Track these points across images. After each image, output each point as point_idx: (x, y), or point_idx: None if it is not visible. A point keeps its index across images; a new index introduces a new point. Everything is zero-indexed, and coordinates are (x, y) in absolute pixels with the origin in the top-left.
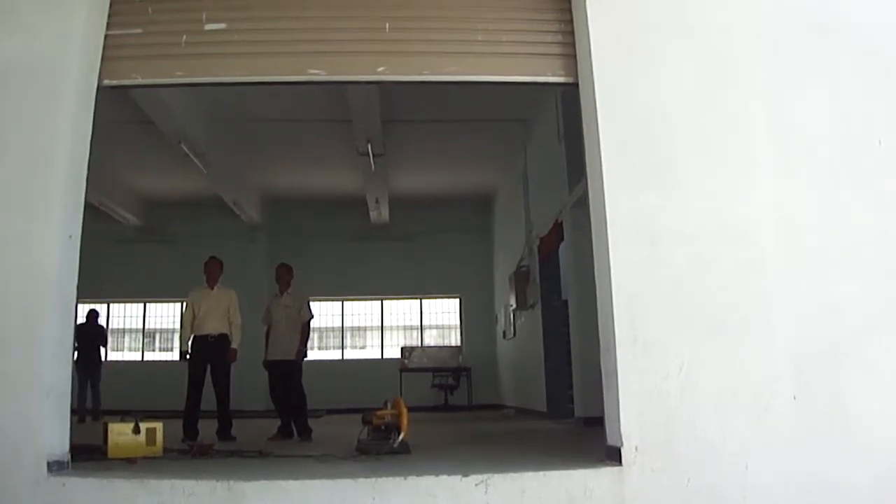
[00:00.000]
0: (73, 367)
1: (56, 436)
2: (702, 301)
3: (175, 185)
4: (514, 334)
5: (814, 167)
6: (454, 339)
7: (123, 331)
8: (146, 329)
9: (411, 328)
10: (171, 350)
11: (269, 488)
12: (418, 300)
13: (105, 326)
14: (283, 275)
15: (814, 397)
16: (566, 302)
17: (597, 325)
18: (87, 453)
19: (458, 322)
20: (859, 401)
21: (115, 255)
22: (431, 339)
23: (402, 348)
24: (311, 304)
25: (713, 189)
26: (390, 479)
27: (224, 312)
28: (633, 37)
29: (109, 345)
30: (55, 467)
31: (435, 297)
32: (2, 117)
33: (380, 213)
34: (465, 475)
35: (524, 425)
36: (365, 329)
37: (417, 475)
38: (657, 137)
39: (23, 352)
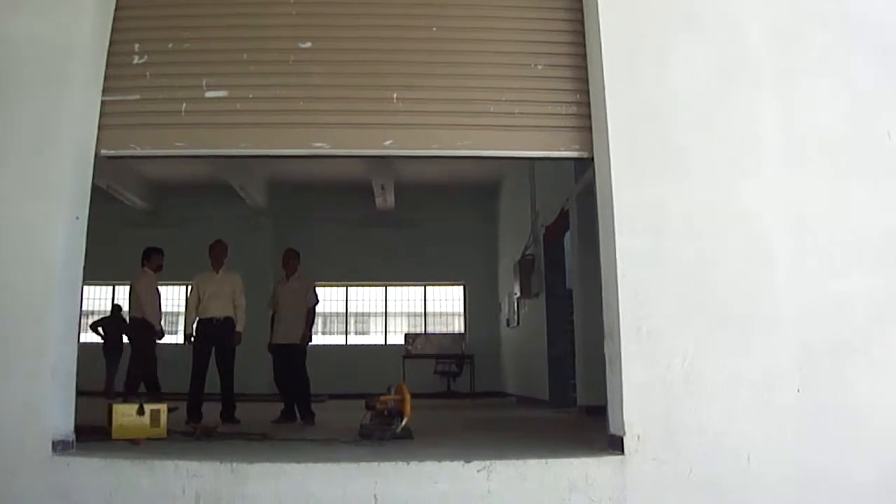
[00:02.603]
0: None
1: (61, 416)
2: (707, 292)
3: (182, 170)
4: (518, 322)
5: (823, 160)
6: (458, 326)
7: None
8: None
9: (415, 315)
10: (176, 333)
11: (271, 471)
12: (422, 287)
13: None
14: (290, 260)
15: (818, 391)
16: (571, 291)
17: (601, 315)
18: (92, 434)
19: (461, 309)
20: (864, 395)
21: (123, 238)
22: (435, 326)
23: (405, 335)
24: (317, 289)
25: (721, 181)
26: (393, 463)
27: (229, 296)
28: (643, 28)
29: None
30: (60, 447)
31: (439, 285)
32: (10, 98)
33: (385, 199)
34: (468, 461)
35: (526, 413)
36: (369, 315)
37: (420, 460)
38: (666, 128)
39: (29, 332)
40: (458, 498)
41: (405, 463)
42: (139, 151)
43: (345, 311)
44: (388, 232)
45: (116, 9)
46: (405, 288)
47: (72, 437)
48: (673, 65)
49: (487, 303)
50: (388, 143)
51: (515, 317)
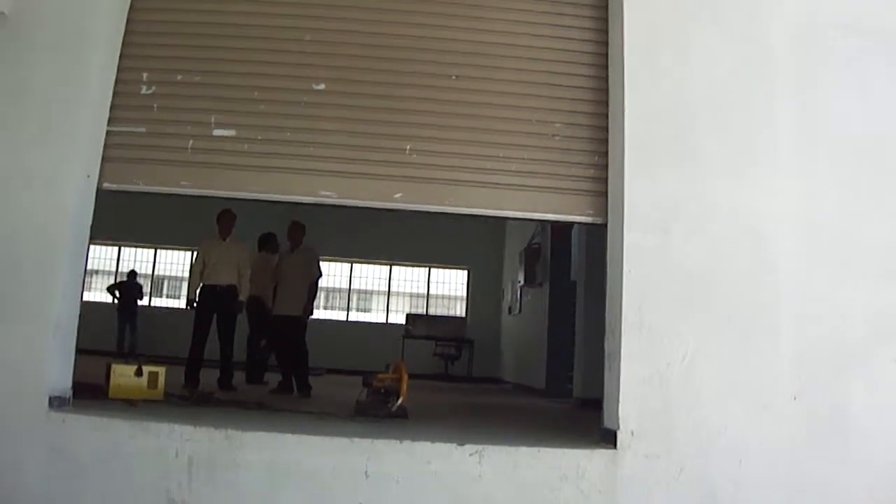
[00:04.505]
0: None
1: (60, 372)
2: (711, 292)
3: None
4: (520, 310)
5: (837, 169)
6: (459, 310)
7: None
8: (155, 275)
9: (418, 296)
10: (179, 297)
11: (265, 439)
12: (426, 268)
13: (142, 284)
14: (295, 232)
15: (815, 399)
16: (574, 283)
17: (603, 308)
18: (89, 392)
19: (464, 293)
20: (860, 407)
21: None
22: (437, 308)
23: (406, 315)
24: (321, 263)
25: (733, 182)
26: (386, 441)
27: (234, 264)
28: (663, 25)
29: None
30: (56, 403)
31: (443, 267)
32: (29, 57)
33: None
34: (461, 444)
35: (521, 401)
36: (371, 293)
37: (413, 440)
38: (681, 126)
39: (35, 286)
40: (450, 479)
41: (398, 441)
42: (142, 188)
43: (348, 287)
44: (396, 212)
45: (126, 34)
46: (409, 268)
47: (69, 393)
48: (691, 64)
49: (490, 289)
50: (398, 196)
51: (517, 305)
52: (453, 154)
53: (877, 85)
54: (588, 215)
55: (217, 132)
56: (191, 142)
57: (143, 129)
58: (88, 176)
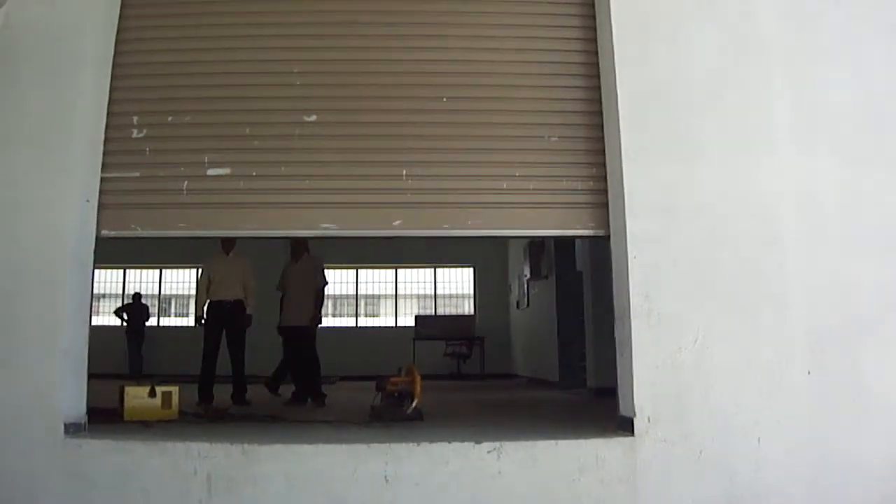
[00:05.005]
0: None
1: (73, 398)
2: (718, 274)
3: None
4: (528, 304)
5: (836, 144)
6: (468, 308)
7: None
8: (162, 295)
9: (425, 297)
10: (187, 315)
11: (282, 452)
12: (432, 269)
13: (148, 306)
14: (299, 241)
15: (828, 373)
16: (581, 273)
17: (611, 297)
18: (103, 416)
19: (471, 291)
20: (875, 377)
21: None
22: (445, 308)
23: (415, 317)
24: (326, 271)
25: (733, 163)
26: (403, 444)
27: (240, 278)
28: (655, 10)
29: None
30: (72, 429)
31: (449, 267)
32: (24, 81)
33: None
34: (478, 442)
35: (536, 395)
36: (379, 297)
37: (430, 441)
38: (678, 110)
39: (42, 313)
40: (469, 478)
41: (416, 444)
42: (141, 233)
43: (355, 293)
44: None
45: (114, 78)
46: (415, 270)
47: (84, 419)
48: (682, 51)
49: (497, 285)
50: (397, 223)
51: (525, 299)
52: (449, 177)
53: (871, 59)
54: (590, 228)
55: (211, 172)
56: (186, 183)
57: (136, 174)
58: (87, 200)
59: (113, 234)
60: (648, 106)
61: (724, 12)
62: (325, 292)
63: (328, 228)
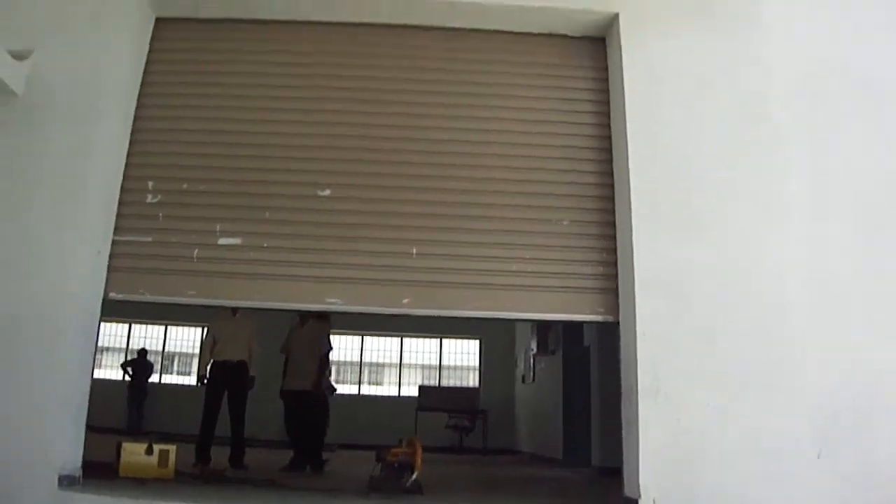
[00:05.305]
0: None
1: (70, 450)
2: (727, 354)
3: None
4: (534, 379)
5: (846, 216)
6: (472, 380)
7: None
8: (166, 351)
9: (429, 367)
10: (190, 374)
11: None
12: (438, 339)
13: (152, 363)
14: None
15: (839, 456)
16: (588, 349)
17: (618, 374)
18: (98, 470)
19: (476, 364)
20: (888, 461)
21: None
22: (449, 379)
23: (419, 387)
24: (331, 336)
25: (742, 242)
26: None
27: (246, 340)
28: (667, 88)
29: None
30: (66, 482)
31: (455, 338)
32: (40, 136)
33: None
34: None
35: (539, 471)
36: (383, 365)
37: None
38: (687, 189)
39: (44, 364)
40: None
41: None
42: (149, 298)
43: (359, 360)
44: None
45: (131, 143)
46: (420, 340)
47: (79, 472)
48: (693, 127)
49: (503, 358)
50: (405, 301)
51: (531, 373)
52: (460, 256)
53: (882, 134)
54: (599, 314)
55: (222, 241)
56: (196, 251)
57: (148, 239)
58: (99, 252)
59: (121, 297)
60: (660, 188)
61: (733, 89)
62: (330, 358)
63: (334, 303)
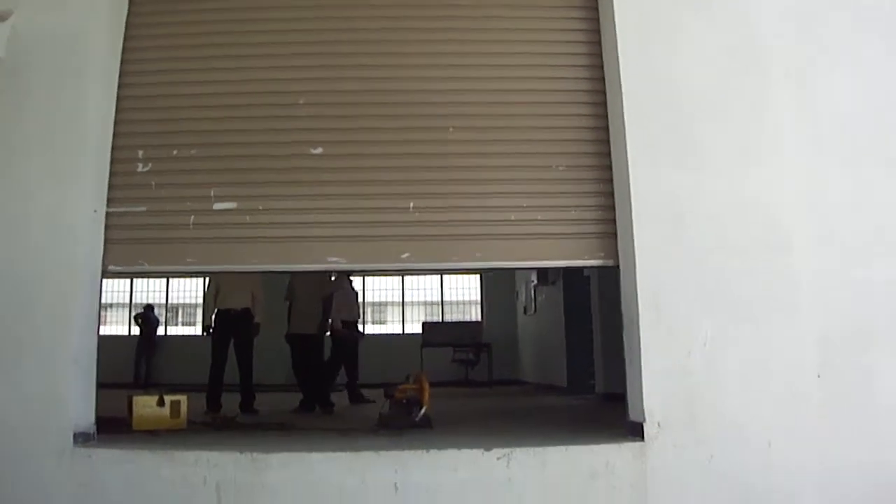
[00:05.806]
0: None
1: (82, 408)
2: (726, 279)
3: None
4: (535, 310)
5: (842, 146)
6: (475, 314)
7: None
8: (169, 304)
9: (432, 304)
10: (194, 325)
11: (291, 460)
12: (439, 276)
13: (158, 318)
14: None
15: (840, 376)
16: (588, 278)
17: (619, 302)
18: (112, 425)
19: (478, 297)
20: (887, 381)
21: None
22: (452, 314)
23: (423, 323)
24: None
25: (738, 169)
26: (412, 451)
27: (248, 288)
28: (656, 17)
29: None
30: (81, 439)
31: (455, 273)
32: (28, 97)
33: None
34: (487, 449)
35: (544, 401)
36: (386, 304)
37: (439, 449)
38: (681, 117)
39: (51, 323)
40: (478, 486)
41: (424, 451)
42: (148, 268)
43: (362, 300)
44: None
45: (118, 111)
46: (422, 277)
47: (93, 428)
48: (684, 54)
49: (504, 291)
50: (405, 255)
51: (532, 304)
52: (457, 208)
53: (875, 59)
54: (599, 258)
55: (217, 206)
56: (192, 217)
57: (143, 209)
58: (95, 210)
59: (119, 269)
60: (653, 119)
61: (723, 18)
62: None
63: (336, 262)
